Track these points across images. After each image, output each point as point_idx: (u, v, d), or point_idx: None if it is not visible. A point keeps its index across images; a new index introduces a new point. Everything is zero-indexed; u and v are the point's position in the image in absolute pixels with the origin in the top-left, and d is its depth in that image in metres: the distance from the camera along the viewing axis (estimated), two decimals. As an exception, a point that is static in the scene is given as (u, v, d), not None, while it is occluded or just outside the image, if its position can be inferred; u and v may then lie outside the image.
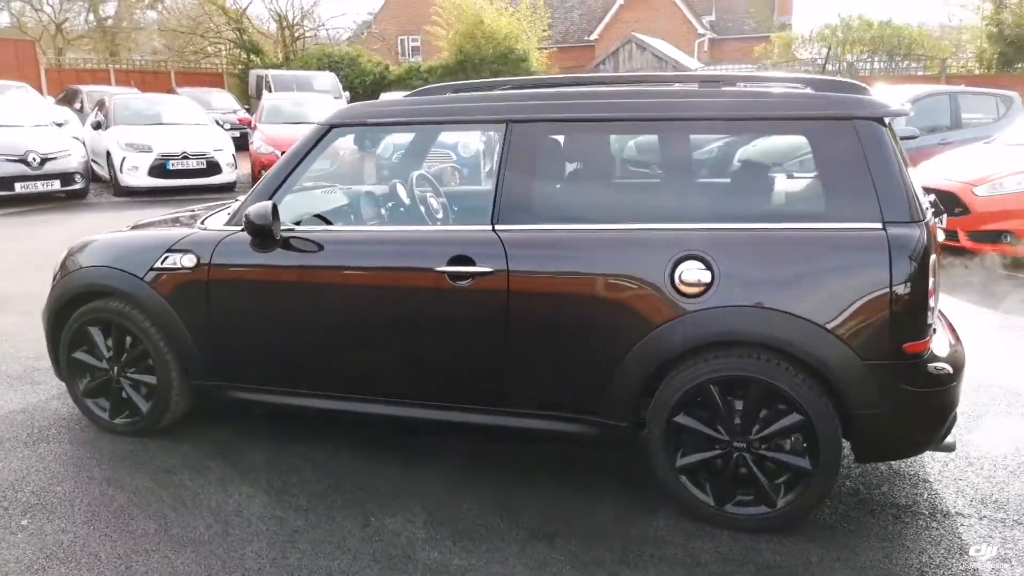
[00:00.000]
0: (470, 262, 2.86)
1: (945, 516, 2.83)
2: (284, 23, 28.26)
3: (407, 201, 3.91)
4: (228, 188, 12.59)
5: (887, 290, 2.48)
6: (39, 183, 10.74)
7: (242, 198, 3.69)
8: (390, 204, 3.90)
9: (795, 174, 2.74)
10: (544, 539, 2.72)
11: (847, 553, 2.61)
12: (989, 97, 10.05)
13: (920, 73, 20.22)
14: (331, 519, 2.86)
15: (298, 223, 3.25)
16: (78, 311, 3.49)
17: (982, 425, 3.57)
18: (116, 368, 3.49)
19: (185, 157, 11.91)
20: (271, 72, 21.72)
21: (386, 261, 3.02)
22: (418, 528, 2.79)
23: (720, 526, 2.74)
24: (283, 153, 13.06)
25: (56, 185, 10.94)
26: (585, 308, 2.77)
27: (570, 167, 3.03)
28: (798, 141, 6.54)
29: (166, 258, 3.29)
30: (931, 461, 3.22)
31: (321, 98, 15.27)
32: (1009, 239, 6.55)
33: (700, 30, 31.18)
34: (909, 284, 2.48)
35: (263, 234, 3.05)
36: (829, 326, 2.52)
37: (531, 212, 2.87)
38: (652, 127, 2.96)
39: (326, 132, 3.20)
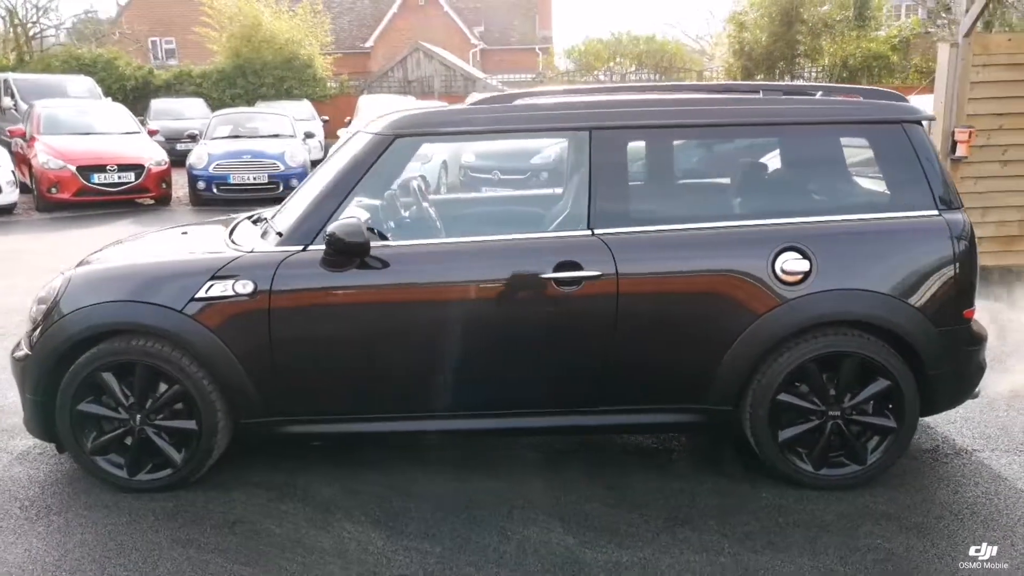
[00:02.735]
0: (576, 267, 2.91)
1: (968, 453, 3.39)
2: (16, 20, 24.68)
3: (416, 209, 3.80)
4: (7, 211, 10.88)
5: (952, 266, 2.95)
6: None
7: (270, 215, 3.40)
8: (405, 213, 3.76)
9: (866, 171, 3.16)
10: (684, 524, 2.85)
11: (926, 494, 3.05)
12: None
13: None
14: (468, 540, 2.76)
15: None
16: (86, 355, 2.99)
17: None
18: (139, 416, 3.04)
19: (-46, 176, 10.12)
20: (12, 76, 18.98)
21: (488, 272, 2.95)
22: (561, 534, 2.80)
23: (818, 488, 3.05)
24: (78, 168, 11.71)
25: None
26: (694, 303, 2.96)
27: (657, 171, 3.18)
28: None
29: (211, 286, 2.94)
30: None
31: (108, 106, 13.73)
32: None
33: (473, 40, 32.18)
34: (966, 259, 2.98)
35: (356, 252, 2.85)
36: (910, 301, 2.94)
37: (627, 215, 2.99)
38: (734, 132, 3.21)
39: (390, 143, 3.05)
